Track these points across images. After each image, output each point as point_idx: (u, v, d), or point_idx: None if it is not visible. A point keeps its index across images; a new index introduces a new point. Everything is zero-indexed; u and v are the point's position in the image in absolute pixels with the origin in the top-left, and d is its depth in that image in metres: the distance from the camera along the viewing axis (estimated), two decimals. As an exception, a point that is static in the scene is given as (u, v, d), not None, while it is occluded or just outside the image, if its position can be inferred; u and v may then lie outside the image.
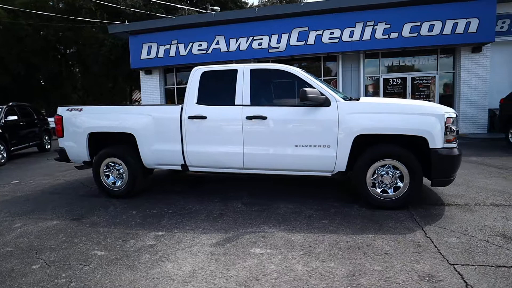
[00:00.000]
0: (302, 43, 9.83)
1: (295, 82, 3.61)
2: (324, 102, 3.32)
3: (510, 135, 6.91)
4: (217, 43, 10.42)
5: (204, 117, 3.64)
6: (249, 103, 3.57)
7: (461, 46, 9.21)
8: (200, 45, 10.56)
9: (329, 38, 9.62)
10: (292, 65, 4.19)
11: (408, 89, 10.13)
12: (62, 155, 4.33)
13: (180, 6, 20.45)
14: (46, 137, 9.77)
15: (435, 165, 3.13)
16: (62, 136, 4.25)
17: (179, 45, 10.72)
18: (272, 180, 4.77)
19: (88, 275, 2.22)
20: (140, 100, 37.14)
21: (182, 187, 4.65)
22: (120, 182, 4.09)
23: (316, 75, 10.12)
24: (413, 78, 10.10)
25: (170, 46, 10.79)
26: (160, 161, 3.93)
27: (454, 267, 2.13)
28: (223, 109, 3.65)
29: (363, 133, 3.23)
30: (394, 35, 9.16)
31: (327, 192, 4.08)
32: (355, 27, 9.38)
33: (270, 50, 10.11)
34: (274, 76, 3.76)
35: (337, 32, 9.53)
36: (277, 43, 10.01)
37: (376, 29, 9.24)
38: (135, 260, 2.43)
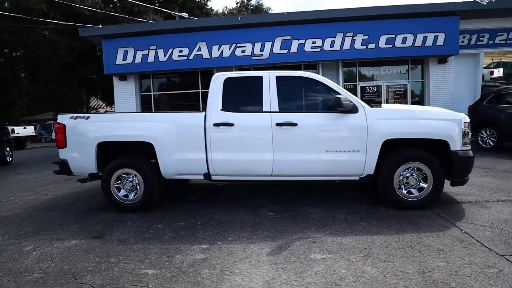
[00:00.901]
0: (285, 51, 10.13)
1: (319, 89, 3.74)
2: (353, 109, 3.48)
3: (479, 139, 7.78)
4: (199, 50, 10.31)
5: (231, 124, 3.60)
6: (277, 110, 3.61)
7: (429, 58, 10.23)
8: (181, 51, 10.34)
9: (311, 47, 10.05)
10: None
11: (384, 97, 10.93)
12: (63, 168, 3.95)
13: (148, 6, 19.82)
14: (7, 149, 8.75)
15: (456, 166, 3.44)
16: (64, 146, 3.89)
17: (158, 50, 10.39)
18: (282, 186, 4.82)
19: (154, 296, 2.06)
20: (99, 107, 35.05)
21: (195, 197, 4.51)
22: (133, 194, 3.84)
23: None
24: (387, 86, 10.93)
25: (149, 52, 10.41)
26: (181, 171, 3.78)
27: (505, 258, 2.36)
28: (251, 116, 3.65)
29: (391, 137, 3.44)
30: (371, 45, 9.87)
31: (343, 196, 4.24)
32: (335, 37, 9.93)
33: (253, 58, 10.26)
34: (299, 83, 3.85)
35: (318, 42, 10.00)
36: (260, 51, 10.19)
37: (355, 39, 9.88)
38: (196, 276, 2.31)
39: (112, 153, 4.01)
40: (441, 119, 3.50)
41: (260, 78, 3.75)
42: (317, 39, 9.98)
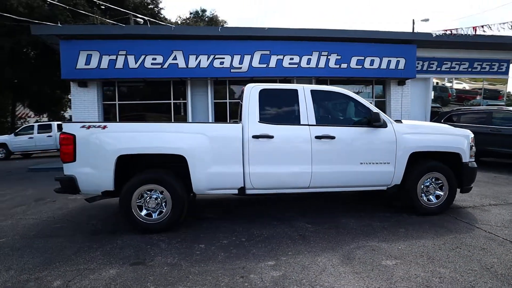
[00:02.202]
0: (264, 65, 10.49)
1: (351, 104, 4.04)
2: (384, 124, 3.85)
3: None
4: (175, 59, 10.05)
5: (271, 137, 3.66)
6: (315, 123, 3.79)
7: (391, 79, 11.59)
8: (154, 59, 9.95)
9: (289, 63, 10.60)
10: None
11: (352, 113, 11.94)
12: (68, 185, 3.50)
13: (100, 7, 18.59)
14: None
15: (465, 176, 4.03)
16: (72, 160, 3.47)
17: (128, 56, 9.83)
18: (292, 197, 4.98)
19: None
20: (27, 116, 30.89)
21: (212, 213, 4.36)
22: (157, 213, 3.58)
23: None
24: (355, 104, 11.98)
25: (117, 57, 9.78)
26: (215, 185, 3.67)
27: (538, 251, 2.86)
28: (290, 128, 3.76)
29: (416, 150, 3.89)
30: (344, 65, 10.83)
31: (359, 206, 4.55)
32: (312, 55, 10.65)
33: (232, 70, 10.38)
34: (332, 97, 4.11)
35: (296, 58, 10.60)
36: (239, 64, 10.37)
37: (329, 59, 10.73)
38: (290, 291, 2.29)
39: (127, 168, 3.71)
40: (454, 134, 4.08)
41: (295, 91, 3.91)
42: (295, 55, 10.58)
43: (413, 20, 19.52)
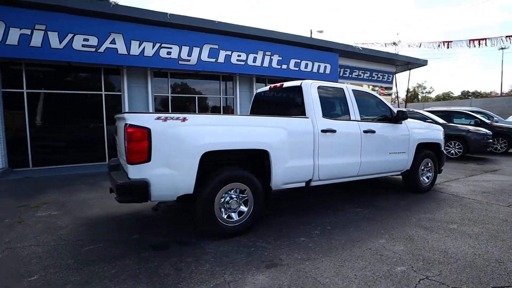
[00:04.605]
0: (213, 60, 10.35)
1: (378, 103, 4.82)
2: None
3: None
4: (113, 42, 8.70)
5: (334, 131, 4.03)
6: (359, 119, 4.39)
7: (318, 82, 13.37)
8: (86, 40, 8.33)
9: (237, 60, 10.81)
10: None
11: (286, 111, 13.15)
12: (139, 192, 2.94)
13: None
14: None
15: (441, 160, 5.47)
16: (146, 160, 2.94)
17: (49, 33, 7.87)
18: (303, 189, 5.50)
19: None
20: None
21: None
22: (236, 214, 3.42)
23: (215, 93, 11.00)
24: (289, 103, 13.24)
25: (33, 32, 7.68)
26: (289, 179, 3.78)
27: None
28: (346, 123, 4.23)
29: (420, 142, 5.04)
30: (284, 66, 11.83)
31: (361, 191, 5.48)
32: (257, 54, 11.18)
33: (180, 62, 9.79)
34: (365, 97, 4.75)
35: (243, 56, 10.91)
36: (188, 56, 9.88)
37: (272, 59, 11.51)
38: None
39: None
40: (437, 129, 5.45)
41: (342, 89, 4.40)
42: (242, 53, 10.86)
43: (311, 30, 22.66)
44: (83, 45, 8.33)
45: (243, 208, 3.45)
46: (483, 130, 9.11)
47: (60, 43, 8.07)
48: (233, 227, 3.37)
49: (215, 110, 11.86)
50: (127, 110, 9.75)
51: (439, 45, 18.64)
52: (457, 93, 55.06)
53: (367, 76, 15.17)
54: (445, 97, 52.93)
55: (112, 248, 3.19)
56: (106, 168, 4.40)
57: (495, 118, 11.85)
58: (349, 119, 4.31)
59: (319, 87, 4.18)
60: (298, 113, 4.16)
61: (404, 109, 4.94)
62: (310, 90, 4.09)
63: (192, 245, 3.22)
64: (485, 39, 16.90)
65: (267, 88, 5.05)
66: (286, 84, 4.57)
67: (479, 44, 16.79)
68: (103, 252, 3.09)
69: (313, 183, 4.01)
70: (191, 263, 2.81)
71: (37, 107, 8.74)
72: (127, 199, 2.98)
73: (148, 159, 2.93)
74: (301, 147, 3.79)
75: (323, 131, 3.94)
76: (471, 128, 9.19)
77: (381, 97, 4.89)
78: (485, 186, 5.72)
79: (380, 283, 2.42)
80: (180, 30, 9.68)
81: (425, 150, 5.23)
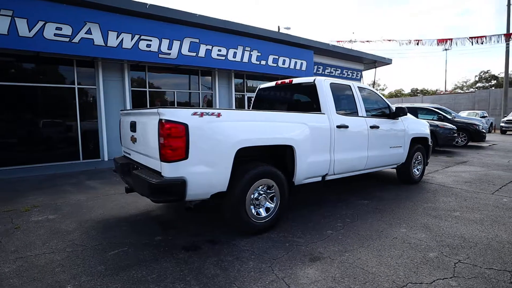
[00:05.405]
0: (194, 54, 10.06)
1: (378, 100, 5.08)
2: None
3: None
4: (89, 32, 8.05)
5: (347, 126, 4.19)
6: (365, 115, 4.60)
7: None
8: (59, 29, 7.61)
9: (217, 55, 10.62)
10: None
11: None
12: (176, 191, 2.83)
13: None
14: None
15: (429, 153, 5.93)
16: (184, 158, 2.83)
17: (17, 19, 7.06)
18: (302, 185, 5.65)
19: None
20: None
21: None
22: (264, 210, 3.44)
23: (194, 88, 10.79)
24: (267, 99, 13.34)
25: (-3, 17, 6.85)
26: (310, 174, 3.87)
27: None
28: (356, 119, 4.41)
29: (413, 136, 5.40)
30: (263, 62, 11.87)
31: (369, 183, 5.78)
32: (237, 49, 11.08)
33: (160, 55, 9.37)
34: (367, 93, 4.95)
35: (223, 50, 10.75)
36: (168, 49, 9.49)
37: (252, 54, 11.49)
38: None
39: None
40: (425, 124, 5.88)
41: (349, 86, 4.56)
42: (223, 47, 10.69)
43: (278, 26, 22.90)
44: (55, 34, 7.61)
45: (270, 204, 3.46)
46: (449, 125, 10.00)
47: (30, 31, 7.29)
48: (262, 223, 3.36)
49: (195, 106, 11.57)
50: (103, 104, 9.13)
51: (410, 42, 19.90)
52: (407, 90, 59.57)
53: (338, 73, 15.78)
54: (397, 94, 57.04)
55: (139, 251, 3.02)
56: (88, 167, 4.11)
57: (452, 114, 13.04)
58: (357, 115, 4.50)
59: (331, 84, 4.29)
60: (309, 109, 4.25)
61: (404, 106, 5.26)
62: (323, 86, 4.19)
63: (224, 243, 3.16)
64: (451, 39, 18.58)
65: (272, 84, 5.06)
66: (296, 80, 4.62)
67: (446, 43, 18.35)
68: (132, 255, 2.92)
69: (328, 177, 4.13)
70: (233, 261, 2.77)
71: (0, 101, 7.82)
72: (164, 199, 2.83)
73: (185, 156, 2.81)
74: (320, 142, 3.88)
75: (338, 126, 4.06)
76: (439, 123, 10.04)
77: (381, 95, 5.17)
78: (463, 176, 6.32)
79: (423, 269, 2.60)
80: (160, 22, 9.26)
81: (416, 144, 5.63)
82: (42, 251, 3.05)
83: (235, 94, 12.44)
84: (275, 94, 5.10)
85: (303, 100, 4.58)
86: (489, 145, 12.48)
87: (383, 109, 5.10)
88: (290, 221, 3.77)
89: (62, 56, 8.27)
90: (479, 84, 52.97)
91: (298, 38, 12.81)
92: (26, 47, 7.33)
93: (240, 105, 12.81)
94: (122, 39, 8.63)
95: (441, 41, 18.27)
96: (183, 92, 11.27)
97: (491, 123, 21.42)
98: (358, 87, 4.72)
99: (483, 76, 53.37)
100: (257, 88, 5.37)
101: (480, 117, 18.34)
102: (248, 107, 12.77)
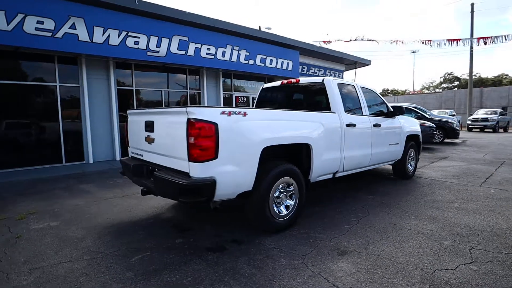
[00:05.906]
0: (183, 52, 9.88)
1: (378, 100, 5.29)
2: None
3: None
4: (73, 27, 7.66)
5: (354, 125, 4.34)
6: (368, 114, 4.78)
7: (281, 78, 13.78)
8: (41, 23, 7.17)
9: (207, 53, 10.51)
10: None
11: (251, 105, 13.27)
12: (207, 191, 2.80)
13: None
14: None
15: (420, 149, 6.27)
16: (213, 157, 2.81)
17: (-6, 11, 6.58)
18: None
19: None
20: None
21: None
22: (284, 208, 3.49)
23: (182, 87, 10.65)
24: (253, 98, 13.37)
25: (-28, 9, 6.33)
26: (324, 172, 3.97)
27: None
28: (362, 118, 4.57)
29: (408, 134, 5.69)
30: (251, 61, 11.89)
31: (370, 178, 6.01)
32: (226, 48, 11.02)
33: (148, 53, 9.11)
34: (369, 93, 5.13)
35: (212, 49, 10.64)
36: (156, 47, 9.25)
37: (240, 54, 11.47)
38: (467, 232, 3.32)
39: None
40: (417, 123, 6.20)
41: (354, 86, 4.72)
42: (212, 46, 10.58)
43: (259, 26, 23.00)
44: (36, 28, 7.17)
45: (289, 202, 3.52)
46: (429, 123, 10.60)
47: (8, 24, 6.82)
48: (283, 221, 3.41)
49: (182, 104, 11.35)
50: (87, 103, 8.73)
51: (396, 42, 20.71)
52: (379, 90, 62.05)
53: (321, 74, 16.14)
54: (370, 94, 59.21)
55: (164, 254, 2.95)
56: (71, 171, 3.97)
57: (428, 113, 13.80)
58: (362, 114, 4.67)
59: (338, 84, 4.42)
60: (317, 108, 4.35)
61: (401, 105, 5.52)
62: (332, 86, 4.31)
63: (249, 242, 3.17)
64: (430, 40, 19.60)
65: (277, 83, 5.11)
66: (303, 80, 4.71)
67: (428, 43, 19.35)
68: (158, 260, 2.85)
69: (338, 174, 4.26)
70: (264, 260, 2.80)
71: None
72: (196, 200, 2.79)
73: (215, 156, 2.78)
74: (333, 140, 3.99)
75: (347, 125, 4.20)
76: (420, 121, 10.59)
77: (380, 95, 5.39)
78: (450, 171, 6.75)
79: (443, 256, 2.78)
80: (149, 19, 9.00)
81: (410, 141, 5.93)
82: (58, 260, 2.90)
83: (223, 93, 12.36)
84: (280, 94, 5.16)
85: (311, 100, 4.68)
86: (462, 142, 13.36)
87: (382, 108, 5.32)
88: (305, 218, 3.84)
89: (42, 52, 7.81)
90: (444, 85, 56.39)
91: (285, 38, 12.95)
92: (4, 42, 6.84)
93: (228, 105, 12.74)
94: (108, 35, 8.29)
95: (424, 41, 19.29)
96: (171, 91, 11.02)
97: (459, 121, 22.89)
98: (361, 86, 4.90)
99: (447, 77, 56.89)
100: (261, 88, 5.40)
101: (450, 115, 19.57)
102: (245, 107, 12.74)
